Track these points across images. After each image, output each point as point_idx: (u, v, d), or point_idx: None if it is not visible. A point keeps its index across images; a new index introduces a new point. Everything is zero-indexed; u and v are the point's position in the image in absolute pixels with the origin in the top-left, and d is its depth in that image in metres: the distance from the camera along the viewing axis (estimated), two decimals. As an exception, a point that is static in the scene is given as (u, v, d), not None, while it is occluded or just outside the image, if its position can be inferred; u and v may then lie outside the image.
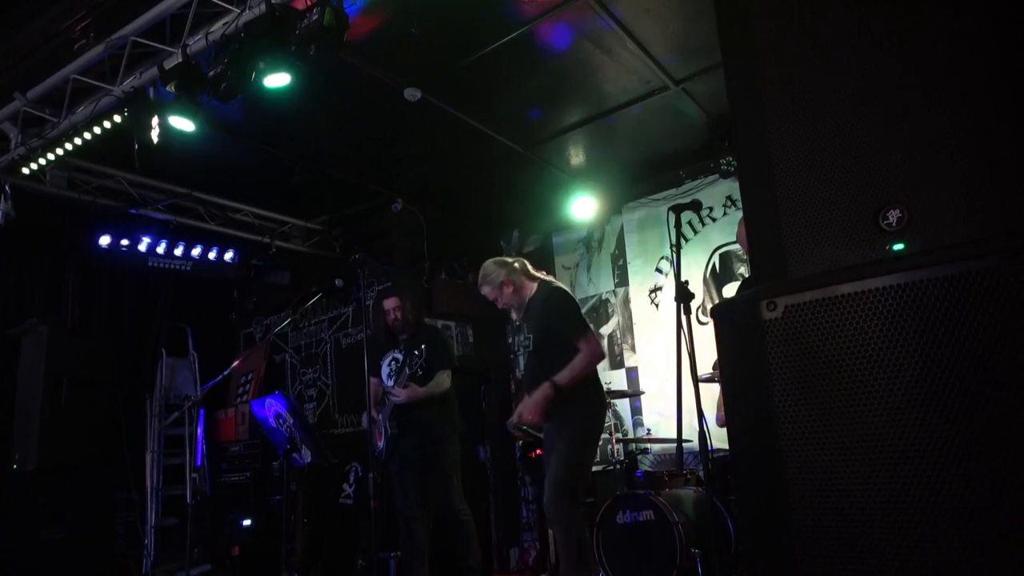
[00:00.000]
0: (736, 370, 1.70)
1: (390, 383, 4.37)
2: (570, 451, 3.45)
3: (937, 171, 1.45)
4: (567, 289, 3.87)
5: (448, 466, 4.37)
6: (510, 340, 6.85)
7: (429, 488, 4.36)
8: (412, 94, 4.56)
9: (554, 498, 3.41)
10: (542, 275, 3.83)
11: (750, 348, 1.57)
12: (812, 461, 1.45)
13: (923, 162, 1.46)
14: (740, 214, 5.67)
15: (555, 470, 3.44)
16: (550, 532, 5.09)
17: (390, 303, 4.49)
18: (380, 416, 4.32)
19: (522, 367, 6.43)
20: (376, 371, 4.57)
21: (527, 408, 3.43)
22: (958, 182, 1.43)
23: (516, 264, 3.76)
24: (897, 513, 1.35)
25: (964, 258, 1.35)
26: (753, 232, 1.72)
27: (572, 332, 3.48)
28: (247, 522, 5.81)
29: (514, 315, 3.82)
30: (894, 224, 1.45)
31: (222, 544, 5.83)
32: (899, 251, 1.45)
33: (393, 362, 4.46)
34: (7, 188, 4.69)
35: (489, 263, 3.79)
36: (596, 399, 3.64)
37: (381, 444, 4.35)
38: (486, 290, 3.76)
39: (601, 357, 3.61)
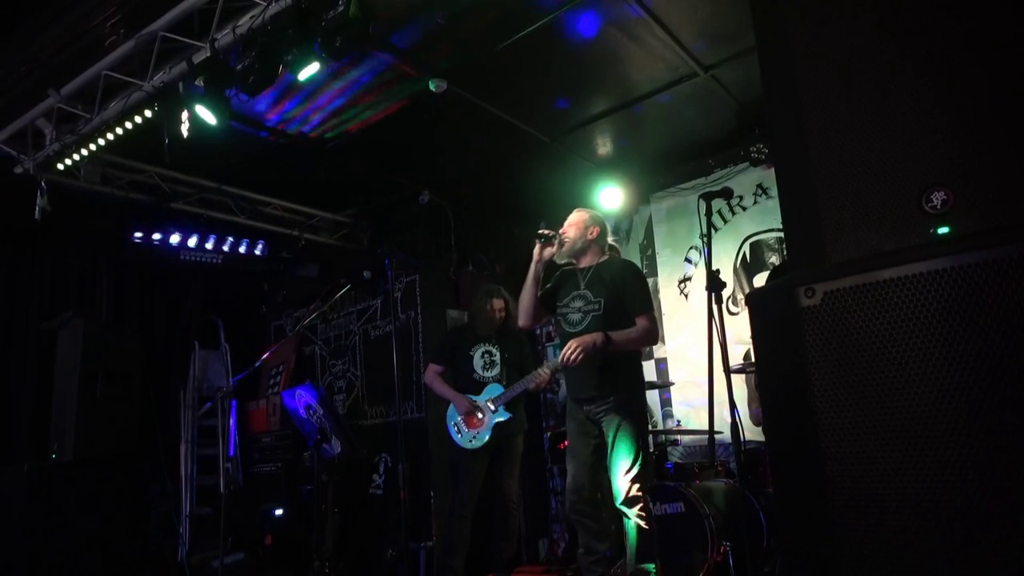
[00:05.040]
0: (772, 359, 1.66)
1: (487, 374, 4.64)
2: (637, 435, 3.50)
3: (984, 151, 1.39)
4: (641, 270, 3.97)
5: (520, 457, 4.67)
6: (538, 331, 6.82)
7: (500, 477, 4.61)
8: (438, 85, 4.55)
9: (633, 481, 3.45)
10: (617, 253, 3.95)
11: (787, 336, 1.53)
12: (852, 451, 1.40)
13: (969, 142, 1.41)
14: (771, 203, 5.58)
15: (629, 457, 3.45)
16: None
17: (499, 303, 4.74)
18: (487, 403, 4.53)
19: (553, 355, 6.40)
20: (444, 359, 4.83)
21: (579, 343, 3.39)
22: (1006, 162, 1.38)
23: (610, 236, 3.89)
24: (942, 505, 1.31)
25: (1012, 241, 1.29)
26: (789, 216, 1.67)
27: (638, 306, 3.55)
28: (279, 512, 5.87)
29: (561, 254, 3.77)
30: (939, 206, 1.40)
31: (255, 533, 5.90)
32: (944, 234, 1.40)
33: (486, 354, 4.69)
34: (43, 184, 4.77)
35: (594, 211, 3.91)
36: (642, 383, 3.78)
37: (476, 431, 4.51)
38: (573, 218, 3.81)
39: (656, 338, 3.89)
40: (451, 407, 4.65)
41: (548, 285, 3.89)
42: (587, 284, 3.69)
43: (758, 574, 3.82)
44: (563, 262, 3.83)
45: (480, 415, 4.53)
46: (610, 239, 3.89)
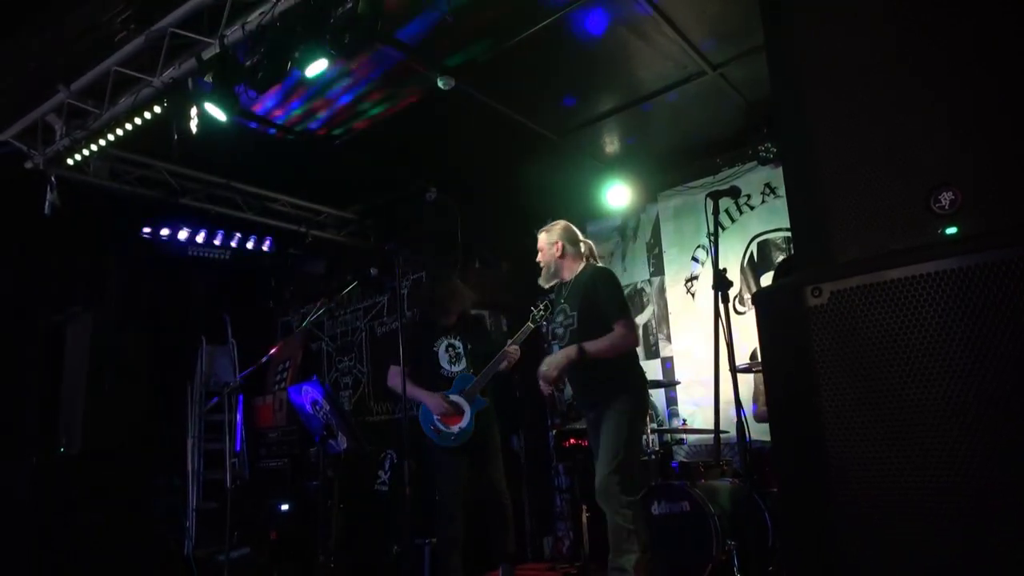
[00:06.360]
0: (778, 359, 1.65)
1: (454, 368, 4.47)
2: (620, 430, 3.46)
3: (992, 151, 1.39)
4: (614, 273, 3.87)
5: (499, 448, 4.52)
6: (544, 329, 6.82)
7: (484, 469, 4.45)
8: (446, 83, 4.55)
9: (608, 475, 3.39)
10: (596, 262, 3.89)
11: (793, 336, 1.52)
12: (858, 451, 1.40)
13: (977, 141, 1.40)
14: (779, 202, 5.56)
15: (607, 451, 3.43)
16: (583, 520, 5.06)
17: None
18: (461, 396, 4.36)
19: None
20: (412, 359, 4.57)
21: (550, 364, 3.50)
22: (1014, 162, 1.37)
23: (580, 239, 3.87)
24: (946, 506, 1.31)
25: (1021, 242, 1.29)
26: (796, 215, 1.66)
27: (611, 313, 3.54)
28: (285, 507, 5.90)
29: (543, 279, 3.89)
30: (947, 206, 1.39)
31: (260, 528, 5.93)
32: (952, 235, 1.39)
33: (450, 348, 4.55)
34: (53, 179, 4.79)
35: (564, 223, 3.92)
36: (639, 383, 3.70)
37: (458, 427, 4.34)
38: (541, 237, 3.89)
39: (634, 343, 3.72)
40: (423, 409, 4.40)
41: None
42: (567, 298, 3.76)
43: (763, 573, 3.82)
44: (548, 285, 3.91)
45: (458, 409, 4.36)
46: (581, 239, 3.87)
